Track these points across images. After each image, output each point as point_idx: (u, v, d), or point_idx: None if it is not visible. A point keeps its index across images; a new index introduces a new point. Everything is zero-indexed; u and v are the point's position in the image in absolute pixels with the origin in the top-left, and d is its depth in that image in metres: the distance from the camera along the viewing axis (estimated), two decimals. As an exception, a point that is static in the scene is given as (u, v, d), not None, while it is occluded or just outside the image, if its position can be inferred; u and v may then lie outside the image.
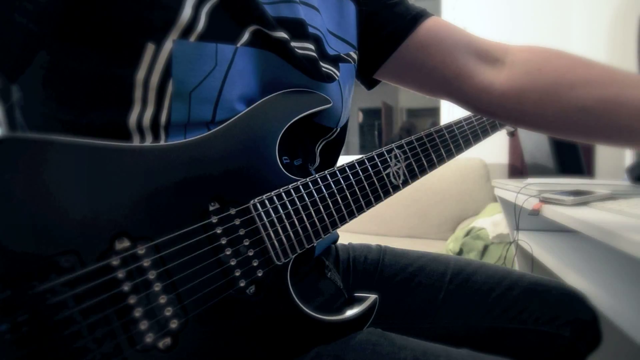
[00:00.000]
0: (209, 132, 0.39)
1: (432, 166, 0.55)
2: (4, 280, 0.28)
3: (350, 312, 0.46)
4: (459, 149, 0.60)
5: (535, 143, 1.30)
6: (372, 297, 0.48)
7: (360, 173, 0.47)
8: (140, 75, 0.37)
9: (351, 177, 0.47)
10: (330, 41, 0.52)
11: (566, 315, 0.58)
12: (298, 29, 0.47)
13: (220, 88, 0.40)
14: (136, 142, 0.39)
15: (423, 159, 0.54)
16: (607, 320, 0.62)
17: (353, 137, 6.90)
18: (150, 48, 0.37)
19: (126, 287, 0.32)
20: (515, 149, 1.78)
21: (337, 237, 0.63)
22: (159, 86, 0.38)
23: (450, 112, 2.24)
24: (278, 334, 0.41)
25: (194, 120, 0.40)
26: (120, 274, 0.32)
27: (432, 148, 0.56)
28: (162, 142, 0.39)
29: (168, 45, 0.37)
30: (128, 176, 0.34)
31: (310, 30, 0.49)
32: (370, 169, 0.48)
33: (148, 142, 0.39)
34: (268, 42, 0.45)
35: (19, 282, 0.28)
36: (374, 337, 0.44)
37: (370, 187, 0.48)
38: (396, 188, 0.51)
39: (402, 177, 0.51)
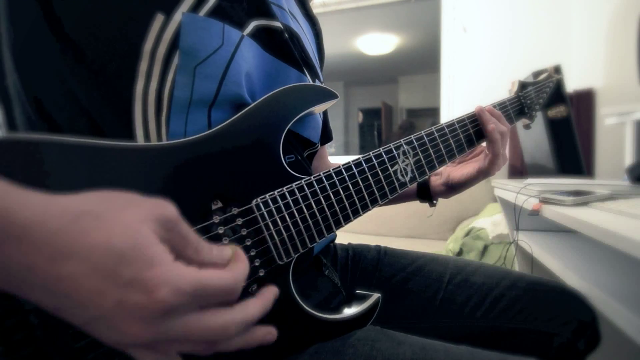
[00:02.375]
0: (212, 130, 0.39)
1: (441, 162, 0.55)
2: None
3: (352, 311, 0.46)
4: (471, 144, 0.60)
5: (535, 143, 1.30)
6: (375, 295, 0.48)
7: (367, 170, 0.47)
8: (148, 46, 0.38)
9: (357, 175, 0.46)
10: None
11: (565, 315, 0.58)
12: (296, 38, 0.49)
13: (226, 68, 0.41)
14: (138, 120, 0.39)
15: (432, 154, 0.54)
16: (607, 320, 0.62)
17: (353, 137, 6.89)
18: (159, 19, 0.38)
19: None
20: (515, 149, 1.78)
21: (335, 236, 0.63)
22: (165, 58, 0.38)
23: (451, 113, 2.24)
24: (279, 332, 0.41)
25: (197, 98, 0.40)
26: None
27: (442, 143, 0.55)
28: (163, 126, 0.39)
29: (177, 17, 0.38)
30: (130, 176, 0.34)
31: (307, 46, 0.52)
32: (377, 166, 0.47)
33: (151, 121, 0.39)
34: (269, 39, 0.45)
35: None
36: (373, 334, 0.44)
37: (377, 185, 0.47)
38: (403, 185, 0.50)
39: (409, 174, 0.51)
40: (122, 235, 0.23)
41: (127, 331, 0.24)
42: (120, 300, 0.23)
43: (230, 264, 0.28)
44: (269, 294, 0.31)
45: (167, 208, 0.26)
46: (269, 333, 0.31)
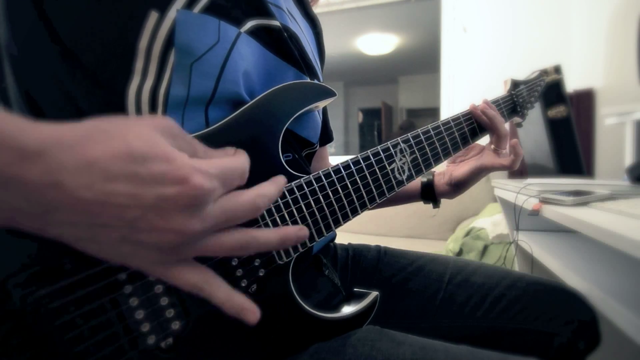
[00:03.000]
0: (210, 128, 0.39)
1: (437, 160, 0.56)
2: (5, 285, 0.28)
3: (350, 309, 0.46)
4: (466, 141, 0.61)
5: (535, 143, 1.30)
6: (373, 294, 0.48)
7: (365, 169, 0.47)
8: (143, 43, 0.38)
9: (355, 174, 0.46)
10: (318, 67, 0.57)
11: (565, 315, 0.58)
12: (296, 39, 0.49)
13: (222, 65, 0.41)
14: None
15: (429, 152, 0.54)
16: (607, 320, 0.62)
17: (353, 137, 6.89)
18: (153, 16, 0.37)
19: (128, 289, 0.32)
20: (515, 149, 1.78)
21: (334, 236, 0.63)
22: (161, 55, 0.38)
23: (450, 113, 2.24)
24: (279, 332, 0.41)
25: (194, 96, 0.40)
26: (122, 276, 0.32)
27: (438, 141, 0.56)
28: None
29: (172, 14, 0.38)
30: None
31: (305, 46, 0.52)
32: (375, 164, 0.48)
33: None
34: (269, 37, 0.45)
35: (20, 287, 0.28)
36: (372, 334, 0.44)
37: (375, 184, 0.47)
38: (400, 184, 0.50)
39: (406, 173, 0.51)
40: (138, 140, 0.24)
41: (172, 227, 0.24)
42: (158, 195, 0.24)
43: (235, 153, 0.31)
44: (280, 179, 0.34)
45: (167, 120, 0.27)
46: (301, 229, 0.33)
